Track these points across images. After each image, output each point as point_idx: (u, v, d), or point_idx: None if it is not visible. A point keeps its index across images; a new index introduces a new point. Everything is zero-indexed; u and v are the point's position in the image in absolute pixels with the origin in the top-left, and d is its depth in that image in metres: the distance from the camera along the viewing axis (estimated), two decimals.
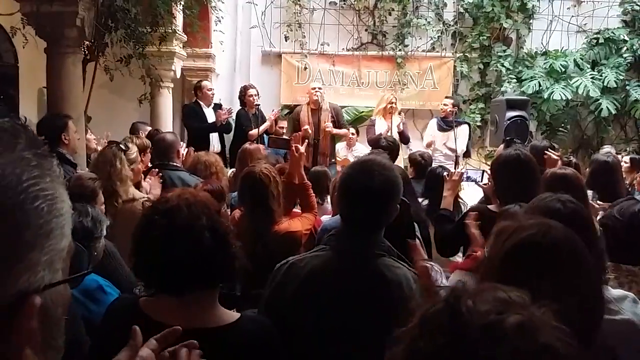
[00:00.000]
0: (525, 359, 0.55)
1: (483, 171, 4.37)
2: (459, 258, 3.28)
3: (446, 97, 7.18)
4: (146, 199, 3.20)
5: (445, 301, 0.62)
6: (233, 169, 4.74)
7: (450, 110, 6.62)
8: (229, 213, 3.44)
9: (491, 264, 1.30)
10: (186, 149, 4.76)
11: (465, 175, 3.74)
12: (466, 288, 0.64)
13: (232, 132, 6.72)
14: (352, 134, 6.99)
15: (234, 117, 6.71)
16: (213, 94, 6.82)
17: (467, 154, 6.99)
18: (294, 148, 2.99)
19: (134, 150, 3.44)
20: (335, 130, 6.58)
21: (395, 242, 1.86)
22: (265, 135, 6.47)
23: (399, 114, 6.70)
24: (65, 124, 3.88)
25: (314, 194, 3.09)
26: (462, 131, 6.64)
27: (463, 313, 0.59)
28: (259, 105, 6.60)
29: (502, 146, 5.26)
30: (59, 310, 0.56)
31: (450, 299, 0.62)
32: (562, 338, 0.59)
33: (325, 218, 3.48)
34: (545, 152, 3.85)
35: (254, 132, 6.23)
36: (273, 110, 6.94)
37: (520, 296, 0.63)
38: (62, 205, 0.55)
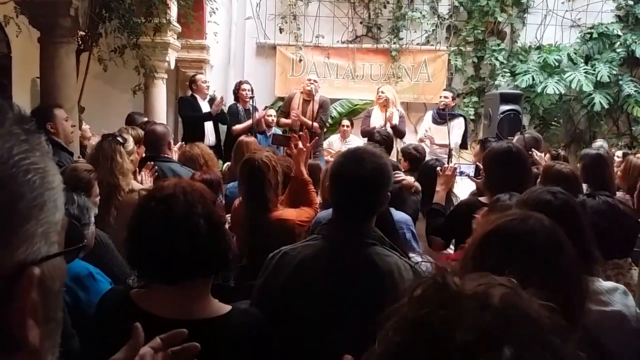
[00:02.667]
0: (511, 327, 0.57)
1: (476, 165, 4.38)
2: (450, 251, 3.31)
3: (445, 90, 7.13)
4: (144, 189, 3.18)
5: (432, 277, 0.65)
6: (228, 162, 4.74)
7: (449, 104, 6.54)
8: (224, 204, 3.45)
9: (469, 249, 1.32)
10: (181, 143, 4.73)
11: (458, 170, 3.75)
12: (451, 270, 0.66)
13: (227, 126, 6.69)
14: (347, 126, 6.99)
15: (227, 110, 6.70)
16: (208, 87, 6.77)
17: (464, 146, 7.00)
18: (292, 145, 2.99)
19: (130, 142, 3.40)
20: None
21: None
22: (260, 134, 6.43)
23: (398, 107, 6.62)
24: (51, 112, 3.85)
25: (314, 190, 3.06)
26: (459, 124, 6.60)
27: (450, 284, 0.62)
28: (252, 97, 6.55)
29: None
30: (57, 283, 0.57)
31: (437, 276, 0.64)
32: (548, 313, 0.61)
33: None
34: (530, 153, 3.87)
35: (238, 127, 6.22)
36: (265, 108, 6.80)
37: (507, 279, 0.66)
38: (54, 179, 0.56)
